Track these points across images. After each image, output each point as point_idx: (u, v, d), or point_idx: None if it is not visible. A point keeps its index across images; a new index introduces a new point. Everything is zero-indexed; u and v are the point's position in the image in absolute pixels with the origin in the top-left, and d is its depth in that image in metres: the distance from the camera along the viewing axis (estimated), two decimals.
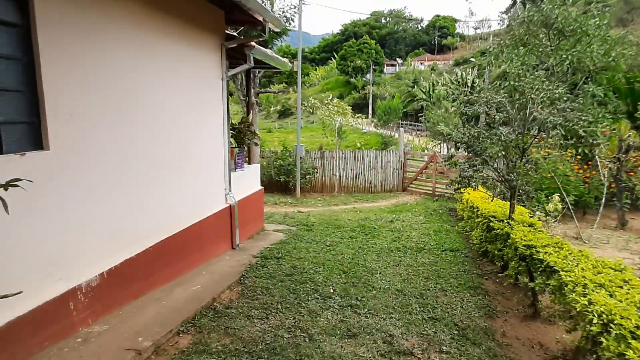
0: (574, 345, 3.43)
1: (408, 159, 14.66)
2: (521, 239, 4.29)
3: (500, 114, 5.51)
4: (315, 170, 14.09)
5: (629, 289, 2.88)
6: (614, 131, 8.50)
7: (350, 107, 14.05)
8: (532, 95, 5.20)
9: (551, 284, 3.42)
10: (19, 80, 3.06)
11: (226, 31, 6.36)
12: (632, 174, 8.93)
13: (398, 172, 14.48)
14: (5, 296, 1.97)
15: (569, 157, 9.53)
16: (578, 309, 2.83)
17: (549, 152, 9.22)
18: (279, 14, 11.94)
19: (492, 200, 7.08)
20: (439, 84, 39.19)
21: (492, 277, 5.69)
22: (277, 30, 6.73)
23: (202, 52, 5.77)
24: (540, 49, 10.12)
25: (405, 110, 46.00)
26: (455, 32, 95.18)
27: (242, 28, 8.22)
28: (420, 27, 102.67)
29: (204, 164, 5.94)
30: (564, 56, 8.85)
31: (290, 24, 12.40)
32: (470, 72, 40.33)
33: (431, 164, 13.58)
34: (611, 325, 2.47)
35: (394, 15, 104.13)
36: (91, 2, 3.59)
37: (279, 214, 10.83)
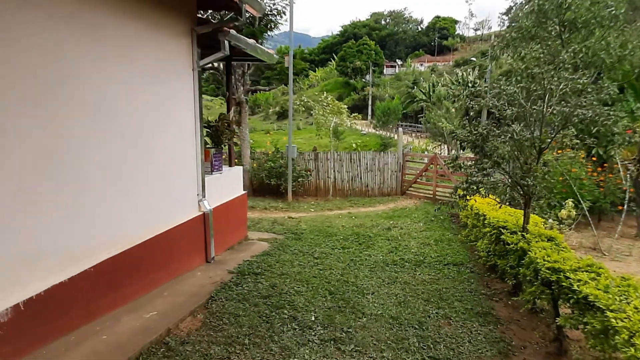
0: None
1: (407, 161, 13.86)
2: (543, 259, 3.48)
3: (513, 109, 4.71)
4: (309, 172, 13.28)
5: None
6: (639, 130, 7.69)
7: (346, 107, 13.24)
8: (552, 86, 4.40)
9: (591, 324, 2.62)
10: None
11: (203, 18, 5.57)
12: None
13: (396, 174, 13.68)
14: None
15: (582, 158, 8.72)
16: None
17: (560, 153, 8.42)
18: (269, 5, 11.19)
19: (500, 207, 6.28)
20: (439, 84, 38.44)
21: (503, 299, 4.87)
22: (257, 14, 5.94)
23: (168, 36, 4.98)
24: (549, 42, 9.23)
25: (405, 111, 45.25)
26: (456, 33, 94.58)
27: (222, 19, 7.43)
28: (420, 29, 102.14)
29: (169, 166, 5.14)
30: (577, 49, 7.94)
31: (282, 16, 11.66)
32: (471, 73, 39.62)
33: (432, 166, 12.78)
34: None
35: (393, 17, 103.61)
36: None
37: (268, 220, 10.01)
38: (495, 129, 4.54)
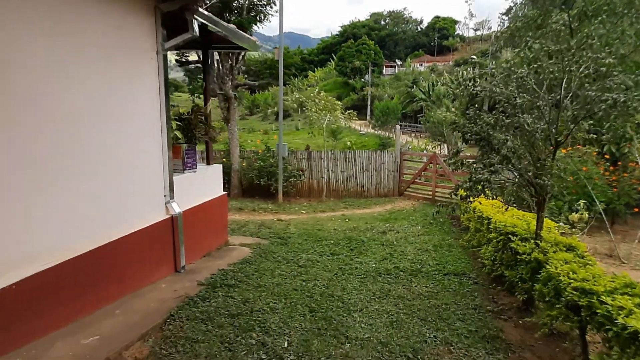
0: None
1: (405, 160, 13.17)
2: (568, 277, 2.79)
3: (524, 96, 4.02)
4: (301, 172, 12.59)
5: None
6: None
7: (340, 103, 12.54)
8: (572, 67, 3.72)
9: None
10: None
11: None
12: None
13: (394, 174, 12.98)
14: None
15: (594, 155, 8.03)
16: None
17: (571, 150, 7.74)
18: None
19: (506, 210, 5.60)
20: (439, 83, 37.78)
21: (512, 317, 4.17)
22: None
23: (125, 13, 4.30)
24: (556, 32, 8.46)
25: (404, 111, 44.53)
26: (455, 33, 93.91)
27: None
28: (419, 29, 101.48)
29: (126, 163, 4.44)
30: (589, 40, 7.15)
31: (271, 6, 10.97)
32: (471, 72, 38.92)
33: (431, 165, 12.09)
34: None
35: (393, 17, 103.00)
36: None
37: (255, 222, 9.33)
38: (504, 118, 3.85)
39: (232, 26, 5.85)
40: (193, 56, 11.20)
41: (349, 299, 4.49)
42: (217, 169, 6.75)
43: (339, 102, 12.39)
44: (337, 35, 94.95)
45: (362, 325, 3.84)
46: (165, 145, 5.06)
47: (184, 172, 5.74)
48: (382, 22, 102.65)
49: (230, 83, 11.77)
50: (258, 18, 11.09)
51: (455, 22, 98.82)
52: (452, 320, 3.96)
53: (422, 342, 3.51)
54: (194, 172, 5.93)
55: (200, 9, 4.85)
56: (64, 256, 3.53)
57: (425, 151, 16.75)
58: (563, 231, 6.10)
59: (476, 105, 4.46)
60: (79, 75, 3.71)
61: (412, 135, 36.22)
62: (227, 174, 12.74)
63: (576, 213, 6.85)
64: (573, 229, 6.62)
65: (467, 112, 4.08)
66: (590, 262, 3.23)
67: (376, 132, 37.20)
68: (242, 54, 11.97)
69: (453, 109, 20.14)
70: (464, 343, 3.49)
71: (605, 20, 8.57)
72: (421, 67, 68.19)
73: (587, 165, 7.81)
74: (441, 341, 3.53)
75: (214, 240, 6.52)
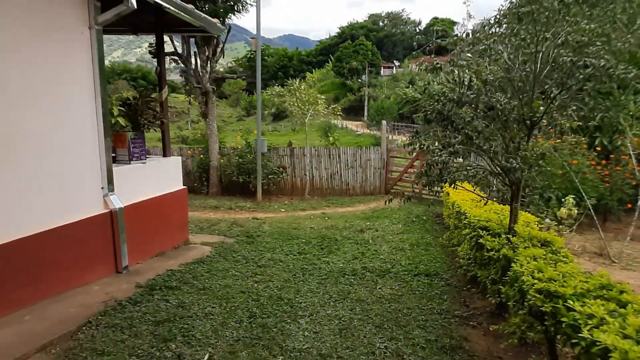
0: None
1: (392, 157, 12.64)
2: (532, 276, 2.26)
3: (497, 69, 3.52)
4: (283, 169, 12.07)
5: None
6: None
7: (323, 97, 12.03)
8: (547, 34, 3.21)
9: None
10: None
11: None
12: None
13: (380, 171, 12.46)
14: None
15: (584, 147, 7.51)
16: None
17: (559, 142, 7.21)
18: None
19: (486, 204, 5.09)
20: (434, 82, 37.28)
21: (483, 323, 3.65)
22: None
23: None
24: (544, 18, 7.88)
25: (401, 111, 44.00)
26: (454, 34, 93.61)
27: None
28: (418, 30, 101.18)
29: (48, 150, 3.92)
30: (579, 25, 6.55)
31: None
32: (466, 71, 38.35)
33: (417, 162, 11.56)
34: None
35: (391, 18, 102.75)
36: None
37: (228, 221, 8.79)
38: (470, 93, 3.33)
39: (189, 6, 5.35)
40: (168, 46, 10.68)
41: (300, 303, 3.97)
42: (175, 162, 6.22)
43: (322, 96, 11.86)
44: (335, 37, 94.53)
45: (306, 333, 3.31)
46: (102, 131, 4.54)
47: (129, 163, 5.23)
48: (381, 24, 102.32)
49: (207, 76, 11.26)
50: (236, 8, 10.59)
51: (454, 23, 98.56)
52: (410, 327, 3.43)
53: (369, 353, 2.98)
54: (143, 163, 5.41)
55: None
56: None
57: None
58: (548, 226, 5.58)
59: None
60: None
61: (408, 135, 35.74)
62: (205, 171, 12.25)
63: (564, 209, 6.33)
64: (560, 226, 6.09)
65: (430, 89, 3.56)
66: (565, 259, 2.70)
67: (372, 132, 36.70)
68: (221, 46, 11.47)
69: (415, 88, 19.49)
70: (418, 355, 2.96)
71: (595, 6, 8.07)
72: (416, 69, 67.71)
73: (577, 159, 7.30)
74: (392, 353, 3.00)
75: (170, 238, 5.99)
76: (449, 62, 3.91)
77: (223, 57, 11.64)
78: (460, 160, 3.67)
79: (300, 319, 3.60)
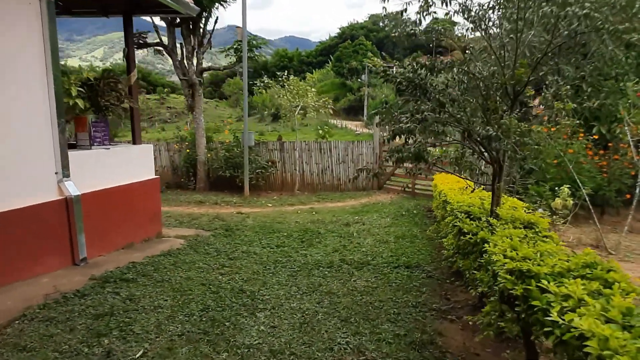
0: None
1: (385, 151, 12.26)
2: (504, 256, 1.90)
3: (481, 33, 3.18)
4: (273, 164, 11.72)
5: None
6: None
7: (313, 89, 11.67)
8: None
9: None
10: None
11: None
12: None
13: (372, 166, 12.08)
14: None
15: (581, 137, 7.14)
16: None
17: (554, 131, 6.84)
18: None
19: (473, 192, 4.74)
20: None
21: (463, 317, 3.28)
22: None
23: None
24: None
25: (400, 110, 43.66)
26: (455, 34, 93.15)
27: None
28: (418, 30, 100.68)
29: None
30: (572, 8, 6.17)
31: None
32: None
33: None
34: None
35: (391, 19, 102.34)
36: None
37: (210, 215, 8.46)
38: (443, 59, 2.98)
39: None
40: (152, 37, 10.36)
41: (264, 296, 3.61)
42: (145, 150, 5.88)
43: (312, 89, 11.50)
44: (335, 37, 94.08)
45: (262, 327, 2.95)
46: (55, 112, 4.20)
47: (90, 148, 4.90)
48: (381, 24, 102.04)
49: (194, 67, 10.93)
50: None
51: (454, 23, 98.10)
52: (379, 321, 3.08)
53: (327, 349, 2.62)
54: (106, 149, 5.07)
55: None
56: None
57: None
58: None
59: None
60: None
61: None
62: (192, 166, 11.91)
63: (558, 199, 5.96)
64: (554, 217, 5.72)
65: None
66: (547, 239, 2.34)
67: (370, 131, 36.35)
68: (208, 36, 11.14)
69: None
70: (381, 351, 2.60)
71: None
72: None
73: (573, 147, 6.93)
74: (353, 348, 2.64)
75: (140, 230, 5.65)
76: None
77: (210, 48, 11.31)
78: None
79: (259, 312, 3.24)
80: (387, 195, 11.41)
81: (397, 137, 2.78)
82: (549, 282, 1.51)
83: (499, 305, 2.01)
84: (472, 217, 3.38)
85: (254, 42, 11.03)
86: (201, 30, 10.86)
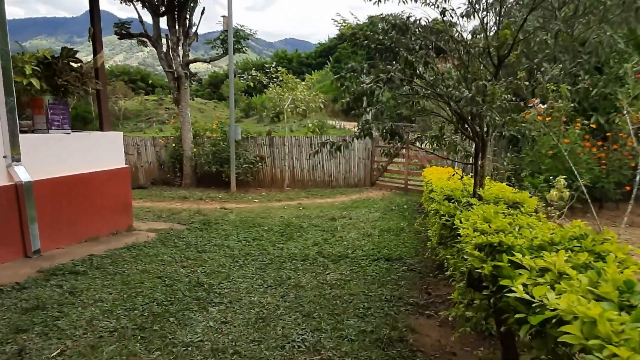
0: None
1: (378, 147, 11.91)
2: (474, 229, 1.54)
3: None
4: (261, 160, 11.36)
5: None
6: None
7: (304, 82, 11.32)
8: None
9: None
10: None
11: None
12: None
13: (365, 162, 11.74)
14: None
15: (578, 126, 6.78)
16: None
17: (549, 120, 6.49)
18: None
19: (461, 179, 4.39)
20: None
21: (442, 312, 2.91)
22: None
23: None
24: None
25: (399, 111, 43.37)
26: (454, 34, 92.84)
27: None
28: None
29: None
30: None
31: None
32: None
33: (403, 150, 10.83)
34: None
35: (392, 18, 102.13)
36: None
37: (192, 210, 8.09)
38: (419, 21, 2.62)
39: None
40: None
41: (223, 289, 3.25)
42: (113, 137, 5.51)
43: (302, 81, 11.15)
44: (334, 39, 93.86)
45: (210, 323, 2.59)
46: (1, 90, 3.85)
47: (47, 132, 4.54)
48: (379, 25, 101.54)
49: (179, 59, 10.59)
50: None
51: (454, 24, 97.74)
52: (346, 316, 2.71)
53: (278, 347, 2.25)
54: (67, 133, 4.71)
55: None
56: None
57: None
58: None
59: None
60: None
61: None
62: (179, 161, 11.55)
63: (554, 190, 5.59)
64: (549, 208, 5.35)
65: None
66: (530, 216, 1.98)
67: None
68: (194, 29, 10.81)
69: None
70: (340, 350, 2.24)
71: None
72: None
73: (571, 138, 6.57)
74: (308, 347, 2.27)
75: (107, 223, 5.28)
76: None
77: (196, 40, 10.97)
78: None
79: (212, 306, 2.88)
80: (379, 192, 11.05)
81: (359, 102, 2.42)
82: (523, 256, 1.15)
83: (468, 292, 1.65)
84: (452, 200, 3.02)
85: (242, 33, 10.68)
86: (187, 21, 10.52)
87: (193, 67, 11.60)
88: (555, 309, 0.82)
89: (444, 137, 3.12)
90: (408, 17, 2.60)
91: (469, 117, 2.52)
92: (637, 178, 5.14)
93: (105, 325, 2.50)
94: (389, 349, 2.26)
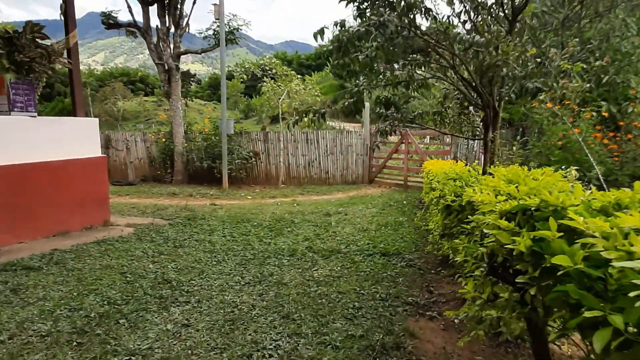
0: None
1: (376, 142, 11.47)
2: (495, 195, 1.11)
3: None
4: (256, 156, 10.93)
5: None
6: None
7: (298, 75, 10.89)
8: None
9: None
10: None
11: None
12: None
13: (363, 158, 11.31)
14: None
15: (588, 117, 6.35)
16: None
17: (559, 109, 6.06)
18: None
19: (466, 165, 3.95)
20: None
21: (447, 313, 2.47)
22: None
23: None
24: None
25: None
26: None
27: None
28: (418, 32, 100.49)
29: None
30: None
31: None
32: None
33: (402, 145, 10.41)
34: None
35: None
36: None
37: (179, 206, 7.66)
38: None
39: None
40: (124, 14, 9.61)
41: (192, 287, 2.81)
42: (87, 123, 5.08)
43: (298, 74, 10.73)
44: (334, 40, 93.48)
45: (169, 326, 2.15)
46: None
47: (9, 114, 4.11)
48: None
49: (170, 51, 10.17)
50: None
51: (454, 26, 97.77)
52: (333, 317, 2.27)
53: (243, 356, 1.81)
54: (32, 116, 4.28)
55: None
56: None
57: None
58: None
59: None
60: None
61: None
62: (169, 157, 11.12)
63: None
64: None
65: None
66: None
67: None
68: (185, 20, 10.41)
69: (438, 94, 18.46)
70: None
71: None
72: None
73: (581, 127, 6.14)
74: (281, 356, 1.83)
75: (79, 216, 4.85)
76: None
77: (188, 31, 10.56)
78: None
79: (175, 306, 2.44)
80: (377, 189, 10.62)
81: (347, 53, 1.99)
82: (585, 220, 0.72)
83: (487, 283, 1.21)
84: (461, 181, 2.59)
85: (234, 23, 10.28)
86: (178, 10, 10.11)
87: (193, 68, 11.24)
88: None
89: (447, 112, 2.69)
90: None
91: (479, 79, 2.08)
92: None
93: (38, 329, 2.06)
94: (380, 358, 1.82)
